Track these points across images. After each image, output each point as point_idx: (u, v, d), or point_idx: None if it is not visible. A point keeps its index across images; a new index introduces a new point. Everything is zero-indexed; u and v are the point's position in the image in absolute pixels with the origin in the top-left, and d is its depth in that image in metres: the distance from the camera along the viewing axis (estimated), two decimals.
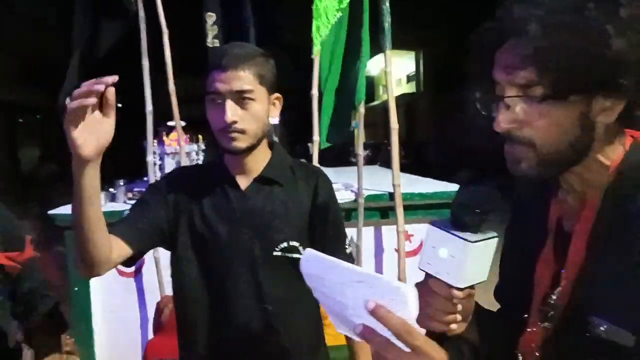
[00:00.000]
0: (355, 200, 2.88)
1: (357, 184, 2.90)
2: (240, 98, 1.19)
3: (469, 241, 0.69)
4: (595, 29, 0.65)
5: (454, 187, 3.07)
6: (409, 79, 19.96)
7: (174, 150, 2.93)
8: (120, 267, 2.96)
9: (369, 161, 13.47)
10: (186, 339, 1.33)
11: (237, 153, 1.24)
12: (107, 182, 3.39)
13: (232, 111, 1.18)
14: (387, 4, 2.66)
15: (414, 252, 2.96)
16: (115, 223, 1.21)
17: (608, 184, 0.73)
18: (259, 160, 1.30)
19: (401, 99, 21.16)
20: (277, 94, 1.29)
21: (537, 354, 0.79)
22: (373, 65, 14.71)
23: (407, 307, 0.58)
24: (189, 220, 1.29)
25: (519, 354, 0.82)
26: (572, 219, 0.79)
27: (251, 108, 1.21)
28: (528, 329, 0.81)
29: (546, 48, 0.66)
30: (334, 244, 1.34)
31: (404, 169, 3.25)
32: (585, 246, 0.74)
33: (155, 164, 2.95)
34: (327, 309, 0.70)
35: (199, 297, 1.28)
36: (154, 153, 2.93)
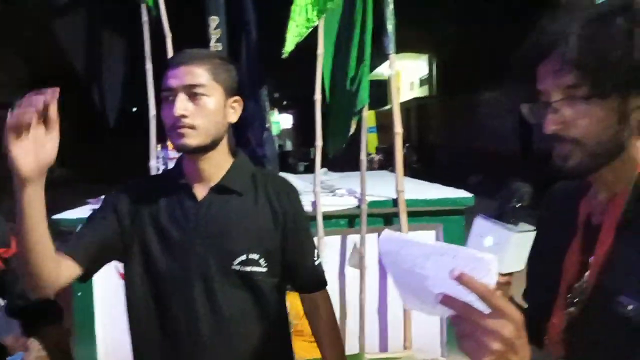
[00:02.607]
0: (359, 207, 2.85)
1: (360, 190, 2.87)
2: (192, 93, 1.15)
3: (513, 231, 0.79)
4: (625, 34, 0.77)
5: (460, 192, 3.01)
6: (422, 82, 19.88)
7: (177, 155, 2.92)
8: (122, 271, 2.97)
9: (381, 166, 13.38)
10: (139, 356, 1.27)
11: (187, 151, 1.18)
12: (111, 187, 3.41)
13: (181, 104, 1.14)
14: (392, 6, 2.63)
15: None
16: (65, 240, 1.17)
17: (637, 178, 0.84)
18: (217, 166, 1.24)
19: (414, 102, 21.09)
20: (236, 97, 1.25)
21: (562, 338, 0.88)
22: (386, 69, 14.70)
23: (489, 274, 0.64)
24: (143, 233, 1.23)
25: (546, 340, 0.92)
26: (600, 214, 0.89)
27: (203, 103, 1.16)
28: (554, 316, 0.90)
29: (586, 53, 0.78)
30: (299, 255, 1.30)
31: (416, 173, 3.20)
32: (614, 234, 0.84)
33: (158, 168, 2.94)
34: (400, 285, 0.76)
35: (149, 314, 1.23)
36: (158, 157, 2.92)
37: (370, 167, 13.07)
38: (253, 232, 1.23)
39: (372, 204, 2.87)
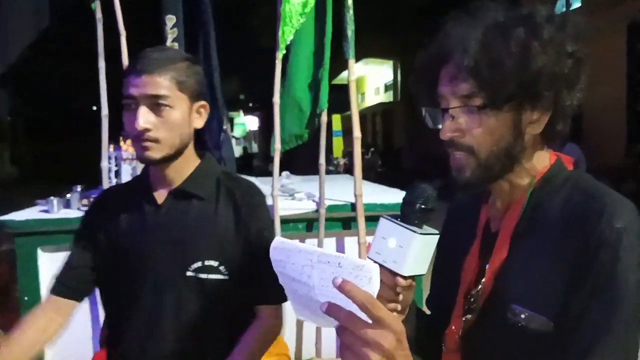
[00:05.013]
0: (317, 211, 2.84)
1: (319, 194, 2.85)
2: (155, 104, 1.12)
3: (417, 233, 0.77)
4: (524, 46, 0.76)
5: None
6: (387, 87, 20.09)
7: (131, 156, 2.84)
8: None
9: (347, 169, 13.42)
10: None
11: (150, 163, 1.17)
12: (64, 187, 3.28)
13: (144, 118, 1.10)
14: (351, 12, 2.63)
15: None
16: (54, 283, 1.25)
17: (532, 188, 0.86)
18: (181, 171, 1.22)
19: (379, 107, 21.29)
20: (202, 102, 1.21)
21: (459, 346, 0.88)
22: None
23: (371, 282, 0.63)
24: (108, 240, 1.24)
25: (443, 345, 0.92)
26: (498, 220, 0.90)
27: (167, 115, 1.13)
28: (452, 323, 0.90)
29: (483, 63, 0.76)
30: (264, 265, 1.17)
31: (381, 177, 3.21)
32: (509, 241, 0.85)
33: (110, 169, 2.85)
34: (291, 295, 0.74)
35: (125, 314, 1.23)
36: (110, 158, 2.84)
37: (336, 171, 13.14)
38: (212, 238, 1.18)
39: (331, 208, 2.86)
